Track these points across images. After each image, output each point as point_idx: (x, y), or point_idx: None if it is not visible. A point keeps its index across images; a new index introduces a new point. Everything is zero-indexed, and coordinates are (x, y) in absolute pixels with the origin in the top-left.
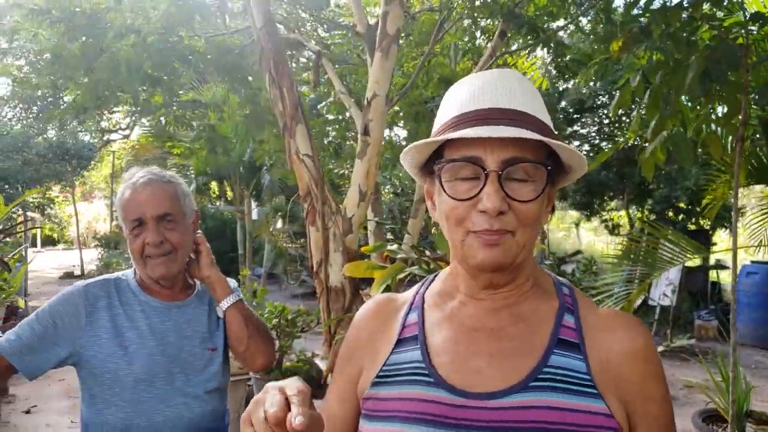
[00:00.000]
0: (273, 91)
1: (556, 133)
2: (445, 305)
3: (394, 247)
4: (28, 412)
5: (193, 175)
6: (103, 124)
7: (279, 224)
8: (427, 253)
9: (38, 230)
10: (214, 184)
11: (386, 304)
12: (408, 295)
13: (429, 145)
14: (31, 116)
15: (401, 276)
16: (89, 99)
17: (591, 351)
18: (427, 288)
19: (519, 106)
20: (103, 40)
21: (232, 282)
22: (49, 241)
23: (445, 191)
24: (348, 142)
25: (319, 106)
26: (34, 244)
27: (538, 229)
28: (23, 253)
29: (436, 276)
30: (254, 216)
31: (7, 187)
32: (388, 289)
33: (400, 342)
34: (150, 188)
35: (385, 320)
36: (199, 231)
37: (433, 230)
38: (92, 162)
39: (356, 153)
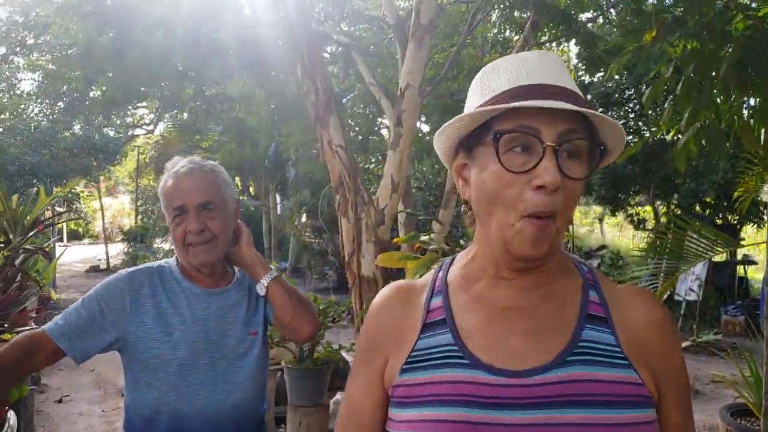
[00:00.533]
0: (306, 83)
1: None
2: (472, 287)
3: (427, 237)
4: (60, 401)
5: None
6: (128, 119)
7: (303, 219)
8: (462, 242)
9: (64, 224)
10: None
11: (405, 291)
12: (425, 280)
13: (475, 119)
14: (57, 111)
15: (435, 266)
16: (119, 93)
17: (617, 324)
18: (446, 272)
19: (567, 84)
20: (134, 34)
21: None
22: (75, 236)
23: (501, 163)
24: (371, 137)
25: (344, 101)
26: (60, 239)
27: (572, 214)
28: (52, 246)
29: (453, 260)
30: (279, 210)
31: (35, 181)
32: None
33: (426, 327)
34: (192, 177)
35: (405, 306)
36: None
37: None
38: (117, 157)
39: (389, 144)
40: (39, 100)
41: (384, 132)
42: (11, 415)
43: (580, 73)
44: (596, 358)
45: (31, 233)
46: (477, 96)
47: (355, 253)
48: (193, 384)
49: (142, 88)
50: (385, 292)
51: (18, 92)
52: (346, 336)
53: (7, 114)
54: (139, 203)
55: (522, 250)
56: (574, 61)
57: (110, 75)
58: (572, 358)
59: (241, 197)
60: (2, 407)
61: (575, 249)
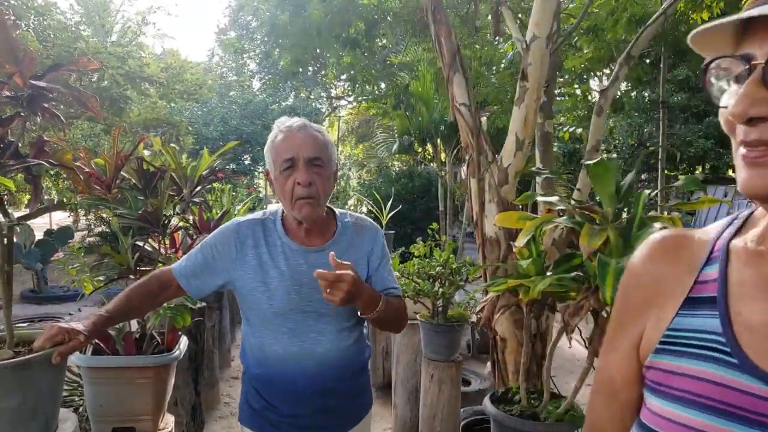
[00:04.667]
0: (435, 42)
1: None
2: (764, 264)
3: (550, 198)
4: None
5: (396, 135)
6: (332, 92)
7: None
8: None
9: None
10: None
11: (677, 244)
12: (707, 235)
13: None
14: (271, 86)
15: (548, 227)
16: (293, 63)
17: None
18: (735, 232)
19: None
20: (306, 6)
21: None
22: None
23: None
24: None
25: (502, 62)
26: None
27: None
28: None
29: (751, 215)
30: (458, 176)
31: (249, 148)
32: (533, 240)
33: (690, 301)
34: (304, 132)
35: (674, 264)
36: (332, 252)
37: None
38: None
39: (515, 100)
40: (259, 77)
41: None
42: (183, 340)
43: None
44: None
45: (198, 188)
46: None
47: (482, 214)
48: (286, 332)
49: (314, 57)
50: (652, 241)
51: (244, 70)
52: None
53: (234, 92)
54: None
55: None
56: None
57: (287, 49)
58: None
59: (423, 164)
60: (174, 333)
61: None
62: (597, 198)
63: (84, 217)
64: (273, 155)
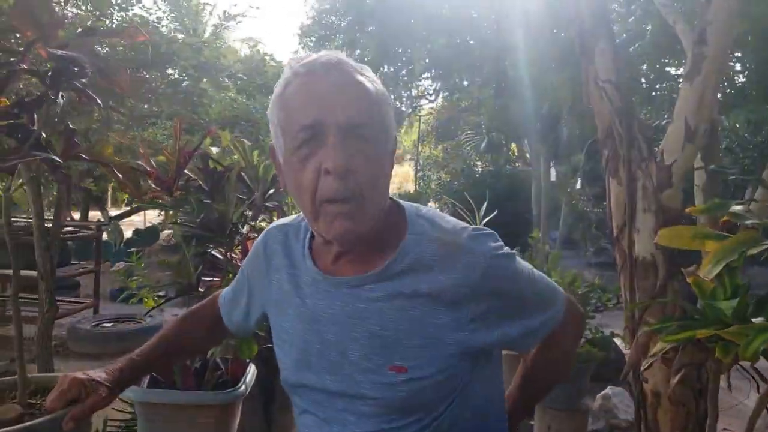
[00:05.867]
0: (571, 7)
1: None
2: None
3: (741, 208)
4: None
5: (485, 131)
6: (413, 91)
7: (578, 185)
8: None
9: None
10: (514, 146)
11: None
12: None
13: None
14: None
15: (753, 251)
16: (381, 54)
17: None
18: None
19: None
20: None
21: None
22: None
23: None
24: (657, 87)
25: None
26: None
27: None
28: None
29: None
30: (552, 176)
31: None
32: (728, 269)
33: None
34: (337, 75)
35: None
36: None
37: None
38: (401, 126)
39: (684, 74)
40: None
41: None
42: (251, 369)
43: None
44: None
45: (272, 190)
46: None
47: (627, 226)
48: (307, 421)
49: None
50: None
51: None
52: (619, 319)
53: None
54: (417, 169)
55: None
56: None
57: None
58: None
59: (514, 164)
60: (239, 366)
61: None
62: None
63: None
64: (279, 119)
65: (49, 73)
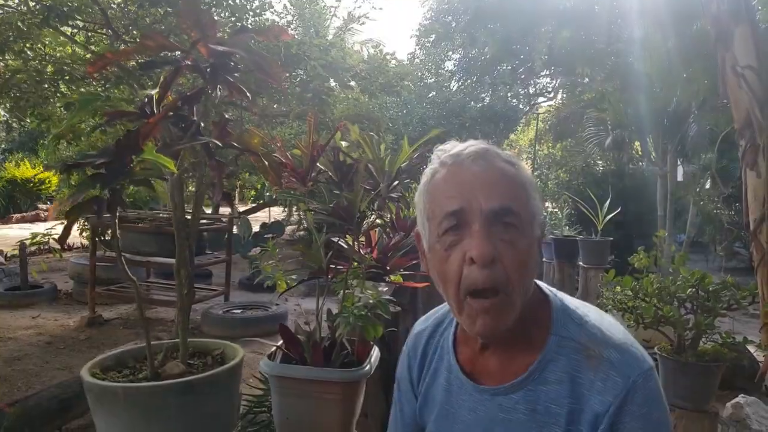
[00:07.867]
0: None
1: None
2: None
3: None
4: None
5: (610, 128)
6: (531, 89)
7: (708, 185)
8: None
9: None
10: (637, 144)
11: None
12: None
13: None
14: (468, 85)
15: None
16: (502, 51)
17: None
18: None
19: None
20: None
21: None
22: None
23: None
24: None
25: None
26: None
27: None
28: None
29: None
30: (679, 176)
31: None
32: None
33: None
34: (484, 164)
35: None
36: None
37: None
38: (518, 124)
39: None
40: (456, 77)
41: None
42: (375, 351)
43: None
44: None
45: (396, 182)
46: None
47: (765, 220)
48: None
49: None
50: None
51: (441, 71)
52: (751, 327)
53: (434, 93)
54: (534, 168)
55: None
56: None
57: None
58: None
59: (640, 163)
60: (365, 343)
61: None
62: None
63: (296, 212)
64: (425, 204)
65: (208, 69)
